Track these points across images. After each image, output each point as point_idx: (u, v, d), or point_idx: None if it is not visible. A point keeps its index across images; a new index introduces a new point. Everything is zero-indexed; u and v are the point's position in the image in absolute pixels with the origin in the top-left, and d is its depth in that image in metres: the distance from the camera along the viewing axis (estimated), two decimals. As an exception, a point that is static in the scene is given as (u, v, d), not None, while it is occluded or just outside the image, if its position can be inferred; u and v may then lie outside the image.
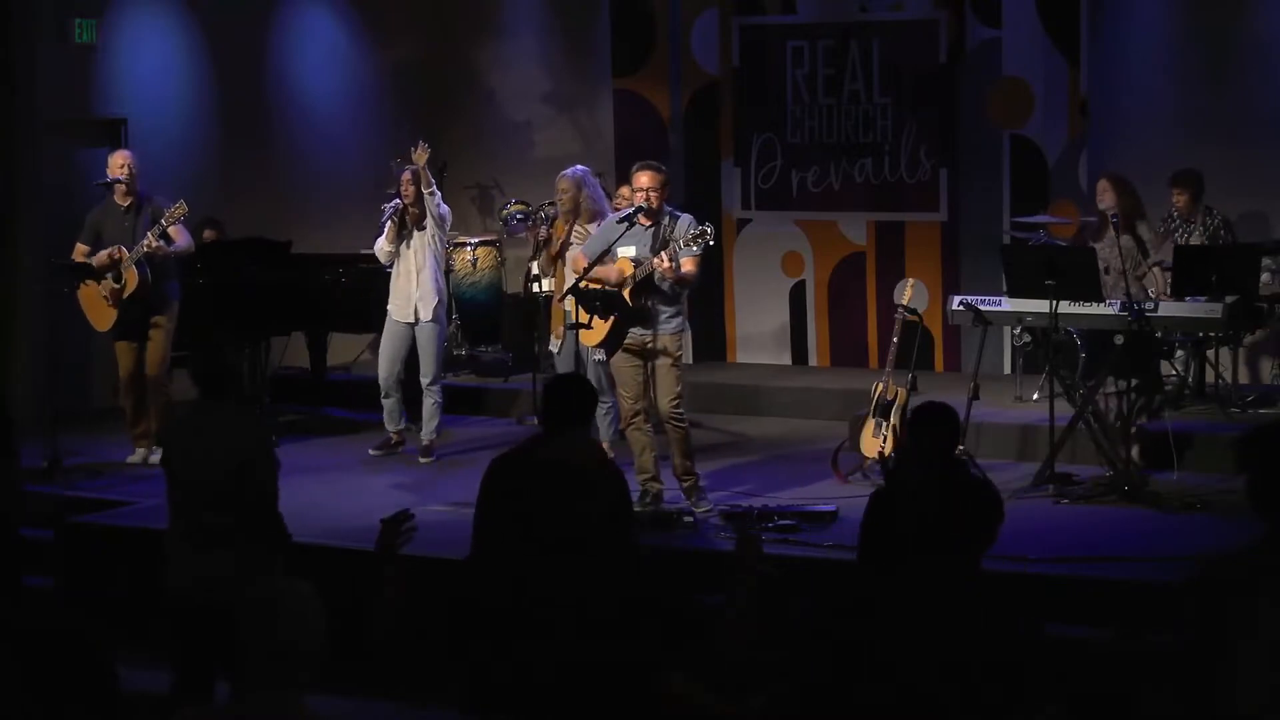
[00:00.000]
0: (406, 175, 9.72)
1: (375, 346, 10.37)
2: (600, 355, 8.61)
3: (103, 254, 9.52)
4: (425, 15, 13.51)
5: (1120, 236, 8.68)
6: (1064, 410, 8.75)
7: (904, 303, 9.30)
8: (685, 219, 8.27)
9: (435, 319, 9.80)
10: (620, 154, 12.08)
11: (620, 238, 8.25)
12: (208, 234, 11.23)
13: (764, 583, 4.04)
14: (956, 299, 9.25)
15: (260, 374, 10.64)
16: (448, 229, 10.03)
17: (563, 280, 9.21)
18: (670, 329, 8.28)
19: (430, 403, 9.90)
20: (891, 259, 11.72)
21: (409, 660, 4.20)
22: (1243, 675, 3.52)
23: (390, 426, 10.07)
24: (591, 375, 8.87)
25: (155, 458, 9.63)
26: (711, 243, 8.22)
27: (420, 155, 9.65)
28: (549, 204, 10.60)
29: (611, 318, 8.24)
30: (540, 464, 4.53)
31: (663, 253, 8.07)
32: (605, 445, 8.67)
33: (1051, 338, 8.82)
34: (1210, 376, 10.05)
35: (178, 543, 6.22)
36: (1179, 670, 3.60)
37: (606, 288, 8.23)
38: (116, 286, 9.54)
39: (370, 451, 10.09)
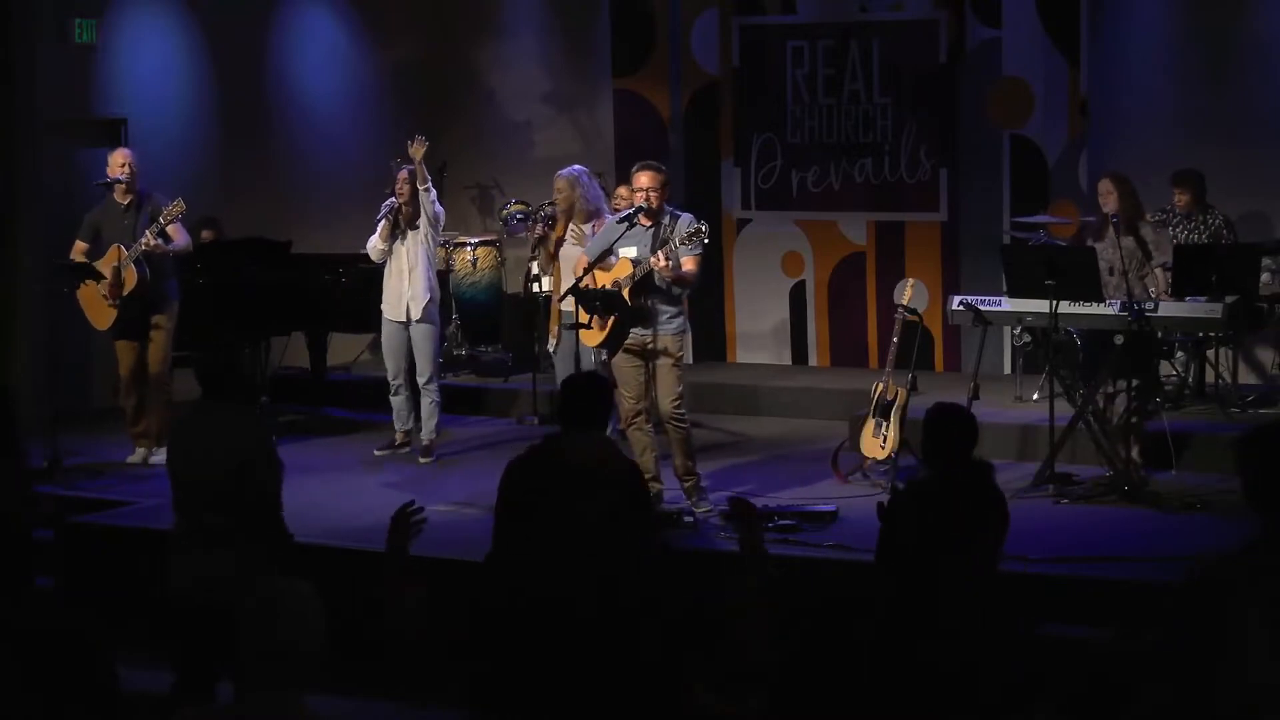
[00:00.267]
0: (403, 174, 9.72)
1: (375, 346, 10.38)
2: (603, 355, 8.60)
3: (105, 262, 9.53)
4: (425, 15, 13.51)
5: (1123, 238, 8.67)
6: (1064, 410, 8.75)
7: (904, 303, 9.30)
8: (685, 218, 8.27)
9: (428, 318, 9.80)
10: (620, 154, 12.08)
11: (620, 238, 8.25)
12: (205, 234, 11.23)
13: (767, 580, 4.04)
14: (956, 299, 9.25)
15: (260, 374, 10.64)
16: (441, 228, 10.02)
17: (559, 279, 9.22)
18: (671, 329, 8.28)
19: (428, 402, 9.90)
20: (891, 259, 11.72)
21: (424, 660, 4.19)
22: (1238, 675, 3.52)
23: (399, 425, 10.07)
24: (560, 374, 8.90)
25: (155, 458, 9.64)
26: (706, 240, 8.21)
27: (417, 149, 9.64)
28: (548, 204, 10.61)
29: (611, 318, 8.24)
30: (557, 464, 4.53)
31: (659, 252, 8.07)
32: None
33: (1051, 338, 8.82)
34: (1210, 376, 10.05)
35: (179, 542, 6.22)
36: (1176, 670, 3.60)
37: (606, 287, 8.23)
38: (115, 285, 9.54)
39: (375, 452, 10.10)
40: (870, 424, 9.03)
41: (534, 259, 10.72)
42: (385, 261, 9.83)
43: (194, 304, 10.06)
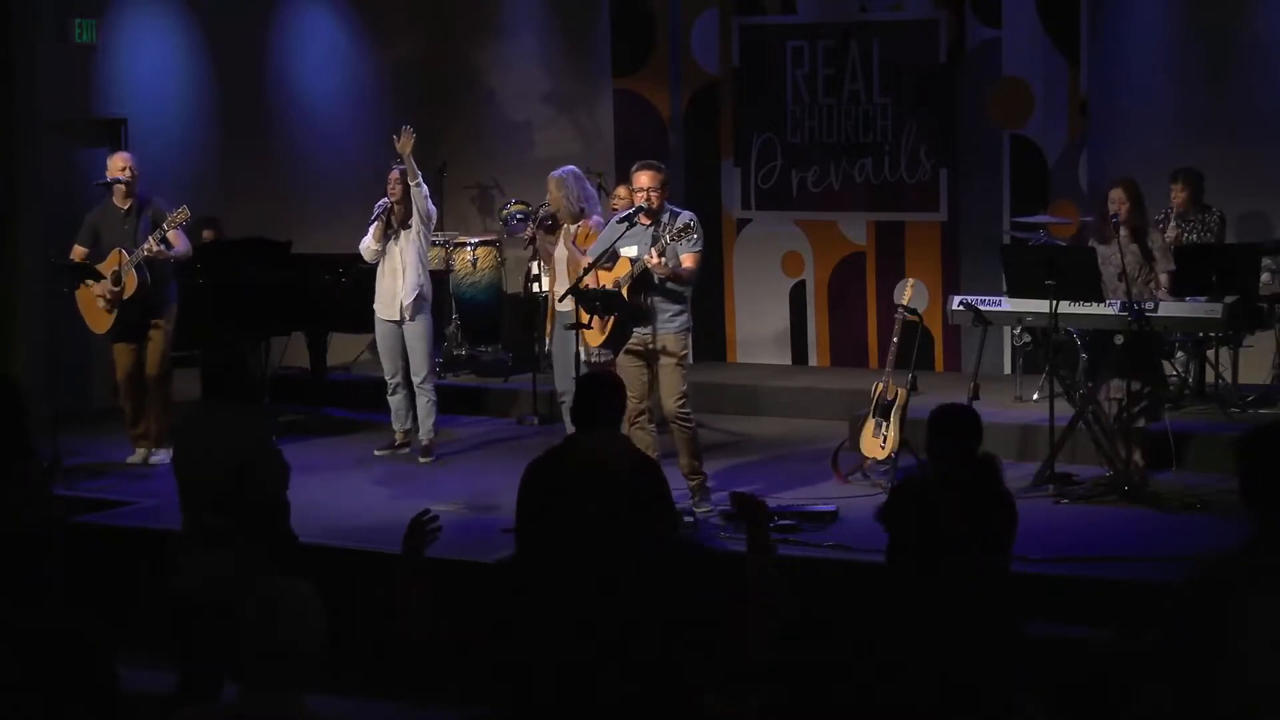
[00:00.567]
0: (395, 174, 9.72)
1: (375, 346, 10.37)
2: (597, 356, 8.59)
3: (105, 266, 9.53)
4: (425, 15, 13.51)
5: (1130, 245, 8.68)
6: (1064, 410, 8.75)
7: (904, 303, 9.30)
8: (684, 215, 8.27)
9: (421, 317, 9.80)
10: (620, 154, 12.08)
11: (621, 237, 8.26)
12: (206, 234, 11.24)
13: (771, 578, 4.03)
14: (956, 299, 9.25)
15: (260, 374, 10.64)
16: (433, 224, 10.02)
17: (554, 280, 9.23)
18: (674, 328, 8.27)
19: (424, 401, 9.90)
20: (891, 259, 11.72)
21: (432, 661, 4.18)
22: (1238, 675, 3.52)
23: (397, 426, 10.07)
24: (559, 374, 8.89)
25: (155, 458, 9.64)
26: (695, 234, 8.19)
27: (405, 142, 9.63)
28: (543, 205, 10.62)
29: (611, 317, 8.24)
30: (575, 464, 4.54)
31: (652, 249, 8.07)
32: None
33: (1051, 338, 8.81)
34: (1210, 376, 10.05)
35: (183, 542, 6.22)
36: (1176, 670, 3.60)
37: (606, 287, 8.23)
38: (115, 289, 9.54)
39: (376, 452, 10.09)
40: (870, 424, 9.02)
41: (534, 259, 10.72)
42: (379, 262, 9.84)
43: (194, 304, 10.06)
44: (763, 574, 4.03)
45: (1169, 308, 8.61)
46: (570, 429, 7.79)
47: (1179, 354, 9.92)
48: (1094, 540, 7.75)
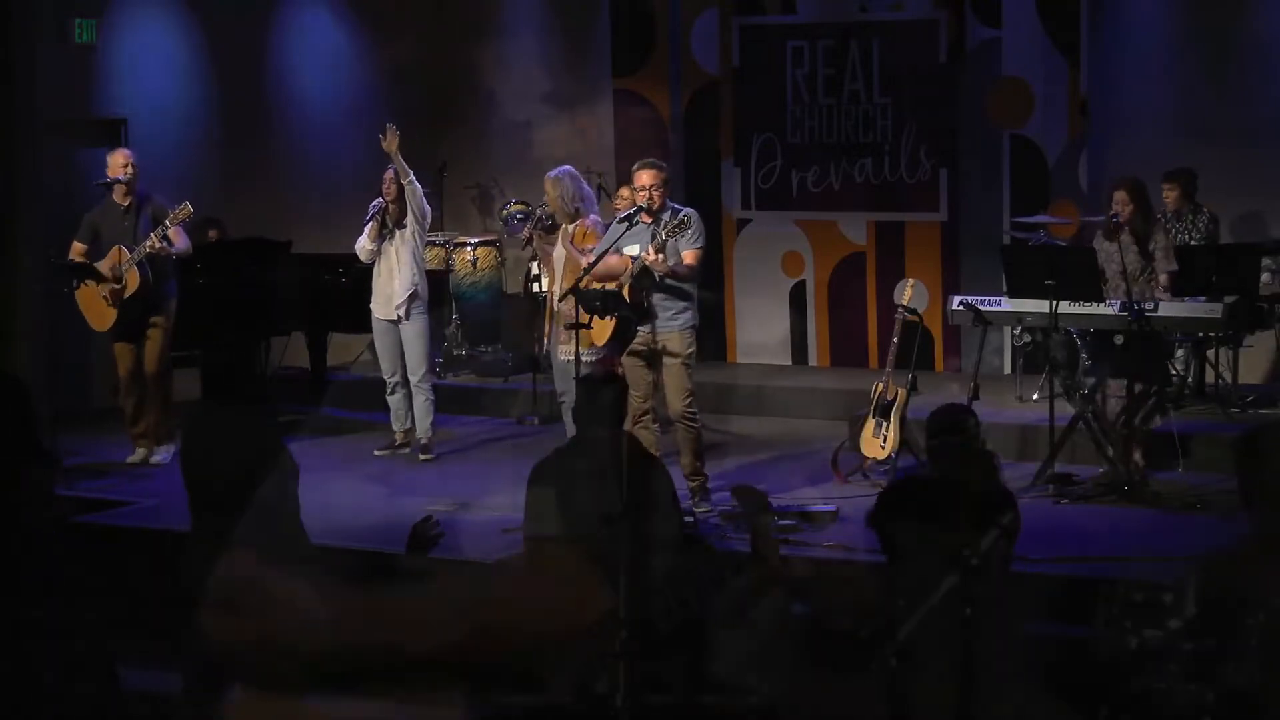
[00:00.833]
0: (389, 174, 9.73)
1: (374, 346, 10.38)
2: (595, 355, 8.56)
3: (106, 263, 9.53)
4: (425, 16, 13.51)
5: (1132, 244, 8.69)
6: (1064, 410, 8.75)
7: (904, 303, 9.30)
8: (684, 213, 8.26)
9: (417, 316, 9.81)
10: (620, 154, 12.08)
11: (622, 237, 8.26)
12: (212, 233, 11.24)
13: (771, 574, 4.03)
14: (956, 299, 9.25)
15: (260, 374, 10.65)
16: (428, 221, 10.02)
17: (553, 280, 9.23)
18: (676, 326, 8.27)
19: (422, 400, 9.90)
20: (891, 259, 11.72)
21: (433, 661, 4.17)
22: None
23: (397, 426, 10.07)
24: (559, 374, 8.89)
25: (156, 458, 9.64)
26: (691, 229, 8.18)
27: (390, 141, 9.63)
28: (541, 205, 10.63)
29: (612, 316, 8.23)
30: (579, 463, 4.54)
31: (649, 245, 8.07)
32: None
33: (1052, 337, 8.81)
34: (1210, 376, 10.05)
35: (191, 542, 6.21)
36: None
37: (606, 287, 8.22)
38: (116, 287, 9.54)
39: (376, 452, 10.09)
40: (870, 424, 9.02)
41: (533, 259, 10.72)
42: (374, 261, 9.85)
43: (194, 304, 10.06)
44: (766, 561, 4.03)
45: (1169, 308, 8.61)
46: (571, 429, 7.79)
47: (1179, 353, 9.92)
48: (1094, 540, 7.74)
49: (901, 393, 8.95)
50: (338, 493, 9.09)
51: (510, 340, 12.11)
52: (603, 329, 8.30)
